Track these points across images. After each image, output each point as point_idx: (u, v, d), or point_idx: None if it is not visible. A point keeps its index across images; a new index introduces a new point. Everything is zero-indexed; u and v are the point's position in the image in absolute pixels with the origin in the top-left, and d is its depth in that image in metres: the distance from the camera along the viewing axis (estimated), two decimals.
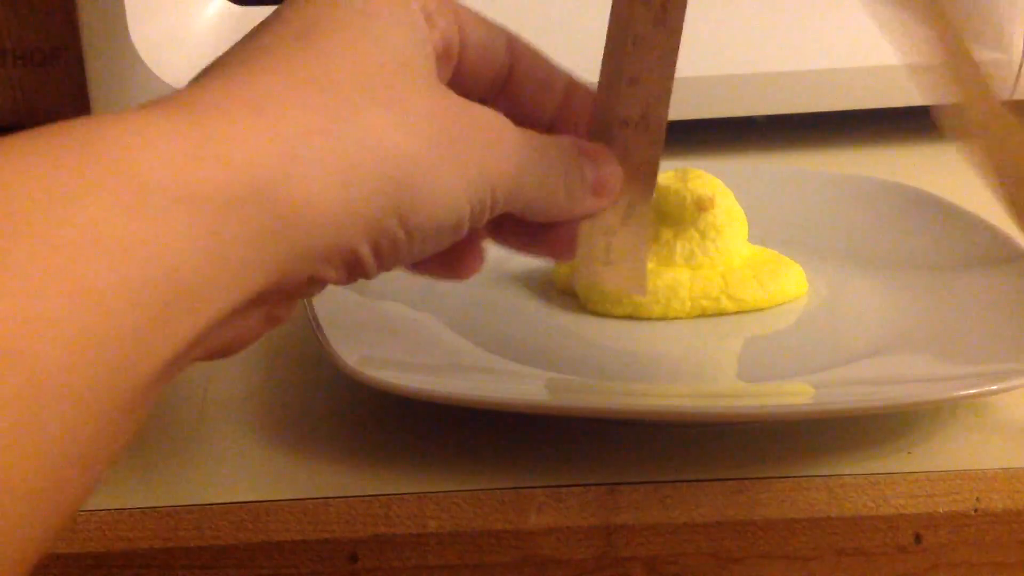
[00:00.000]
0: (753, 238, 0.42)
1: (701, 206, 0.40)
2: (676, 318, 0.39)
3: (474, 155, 0.27)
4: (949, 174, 0.47)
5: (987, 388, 0.31)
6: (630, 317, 0.39)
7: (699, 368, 0.38)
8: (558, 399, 0.34)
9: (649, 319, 0.39)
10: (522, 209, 0.30)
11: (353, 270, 0.26)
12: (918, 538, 0.31)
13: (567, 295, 0.41)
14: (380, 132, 0.25)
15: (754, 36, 0.56)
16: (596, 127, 0.33)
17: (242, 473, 0.33)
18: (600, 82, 0.33)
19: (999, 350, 0.35)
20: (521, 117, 0.32)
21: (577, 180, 0.31)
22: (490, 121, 0.29)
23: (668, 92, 0.33)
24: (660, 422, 0.34)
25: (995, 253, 0.40)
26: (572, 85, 0.33)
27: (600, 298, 0.39)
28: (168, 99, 0.24)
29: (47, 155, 0.21)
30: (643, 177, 0.34)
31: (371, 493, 0.31)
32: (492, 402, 0.32)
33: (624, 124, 0.33)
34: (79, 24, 0.51)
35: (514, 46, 0.32)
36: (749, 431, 0.33)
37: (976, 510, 0.31)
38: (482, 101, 0.32)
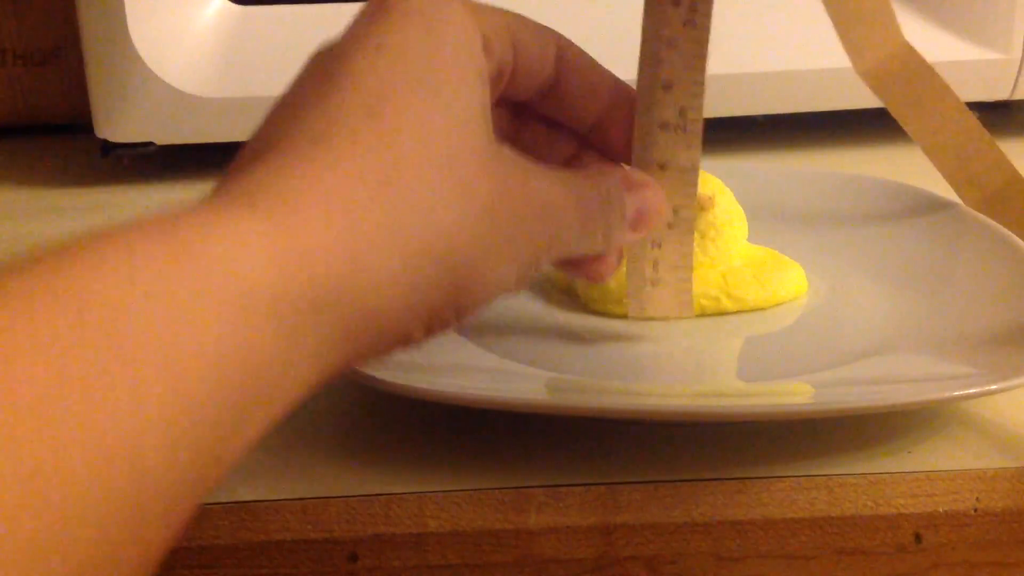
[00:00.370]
0: (753, 238, 0.42)
1: (701, 206, 0.40)
2: (676, 318, 0.39)
3: (527, 235, 0.28)
4: None
5: (987, 388, 0.31)
6: (629, 316, 0.39)
7: (699, 368, 0.38)
8: (558, 399, 0.34)
9: (649, 319, 0.39)
10: (562, 257, 0.31)
11: (403, 346, 0.27)
12: (918, 538, 0.31)
13: (567, 295, 0.41)
14: (446, 228, 0.26)
15: (754, 35, 0.56)
16: (638, 133, 0.34)
17: (242, 473, 0.33)
18: (638, 88, 0.34)
19: (999, 350, 0.35)
20: (566, 119, 0.34)
21: (617, 222, 0.32)
22: (543, 195, 0.29)
23: (702, 94, 0.34)
24: (660, 422, 0.34)
25: (995, 252, 0.40)
26: (617, 86, 0.33)
27: (600, 298, 0.39)
28: (251, 191, 0.24)
29: (152, 265, 0.21)
30: (684, 179, 0.35)
31: (371, 493, 0.31)
32: (492, 402, 0.32)
33: (663, 128, 0.34)
34: (79, 23, 0.51)
35: (563, 53, 0.32)
36: (749, 431, 0.33)
37: (976, 510, 0.31)
38: (529, 104, 0.33)
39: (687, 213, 0.35)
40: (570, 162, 0.35)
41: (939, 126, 0.40)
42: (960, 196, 0.43)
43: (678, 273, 0.36)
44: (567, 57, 0.32)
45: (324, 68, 0.27)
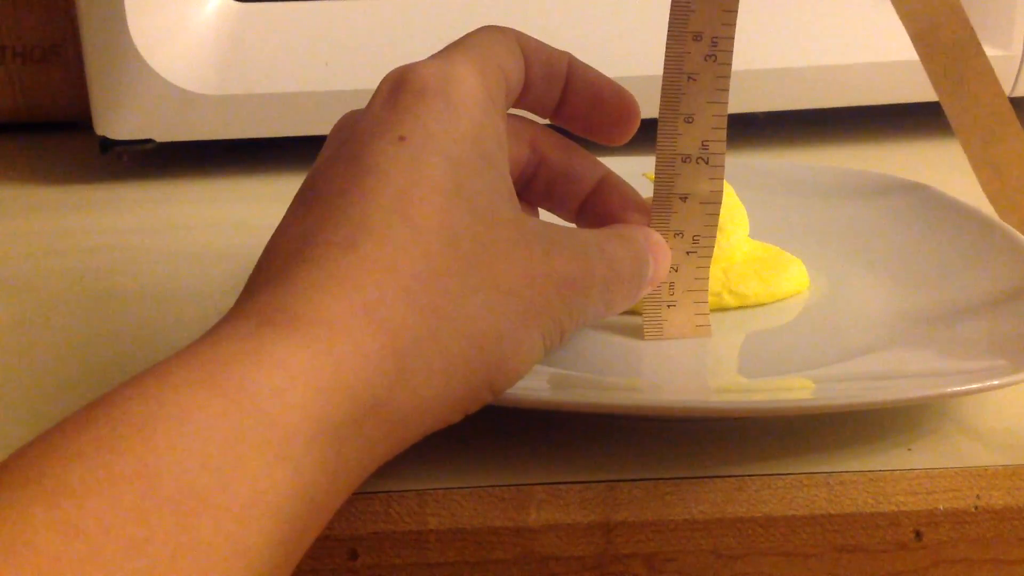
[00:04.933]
0: (754, 234, 0.42)
1: None
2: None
3: (551, 310, 0.29)
4: (950, 169, 0.47)
5: (988, 384, 0.31)
6: (631, 313, 0.39)
7: (700, 364, 0.38)
8: (558, 395, 0.34)
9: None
10: (587, 324, 0.32)
11: (440, 428, 0.28)
12: (918, 535, 0.31)
13: None
14: (476, 320, 0.27)
15: (755, 32, 0.56)
16: (659, 164, 0.35)
17: None
18: (659, 119, 0.34)
19: (1000, 346, 0.34)
20: (579, 130, 0.35)
21: (644, 282, 0.33)
22: (565, 271, 0.29)
23: (724, 126, 0.34)
24: (660, 418, 0.34)
25: (997, 248, 0.40)
26: (621, 92, 0.34)
27: None
28: (288, 308, 0.24)
29: (203, 414, 0.21)
30: (706, 210, 0.35)
31: (371, 490, 0.31)
32: None
33: (685, 160, 0.35)
34: (78, 20, 0.51)
35: (572, 67, 0.33)
36: (749, 427, 0.33)
37: (977, 507, 0.31)
38: (548, 116, 0.34)
39: (707, 241, 0.36)
40: (594, 191, 0.35)
41: (971, 105, 0.40)
42: (978, 178, 0.42)
43: (694, 296, 0.37)
44: (576, 70, 0.33)
45: (349, 154, 0.28)
